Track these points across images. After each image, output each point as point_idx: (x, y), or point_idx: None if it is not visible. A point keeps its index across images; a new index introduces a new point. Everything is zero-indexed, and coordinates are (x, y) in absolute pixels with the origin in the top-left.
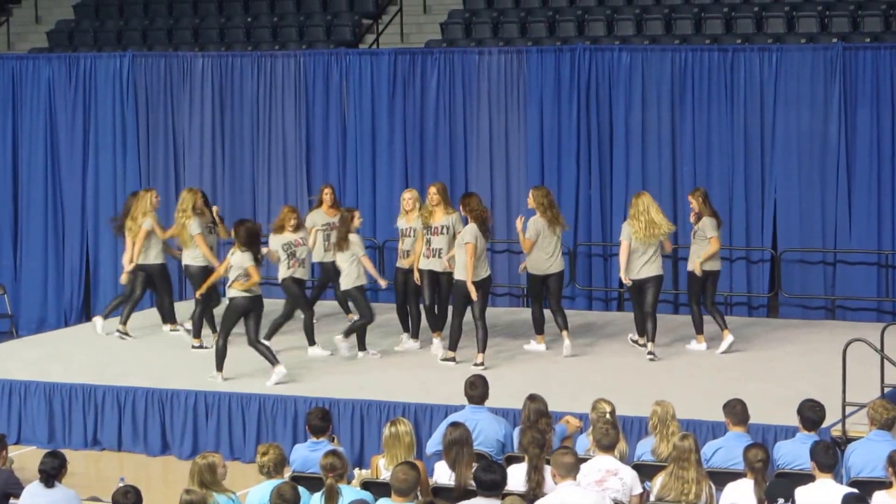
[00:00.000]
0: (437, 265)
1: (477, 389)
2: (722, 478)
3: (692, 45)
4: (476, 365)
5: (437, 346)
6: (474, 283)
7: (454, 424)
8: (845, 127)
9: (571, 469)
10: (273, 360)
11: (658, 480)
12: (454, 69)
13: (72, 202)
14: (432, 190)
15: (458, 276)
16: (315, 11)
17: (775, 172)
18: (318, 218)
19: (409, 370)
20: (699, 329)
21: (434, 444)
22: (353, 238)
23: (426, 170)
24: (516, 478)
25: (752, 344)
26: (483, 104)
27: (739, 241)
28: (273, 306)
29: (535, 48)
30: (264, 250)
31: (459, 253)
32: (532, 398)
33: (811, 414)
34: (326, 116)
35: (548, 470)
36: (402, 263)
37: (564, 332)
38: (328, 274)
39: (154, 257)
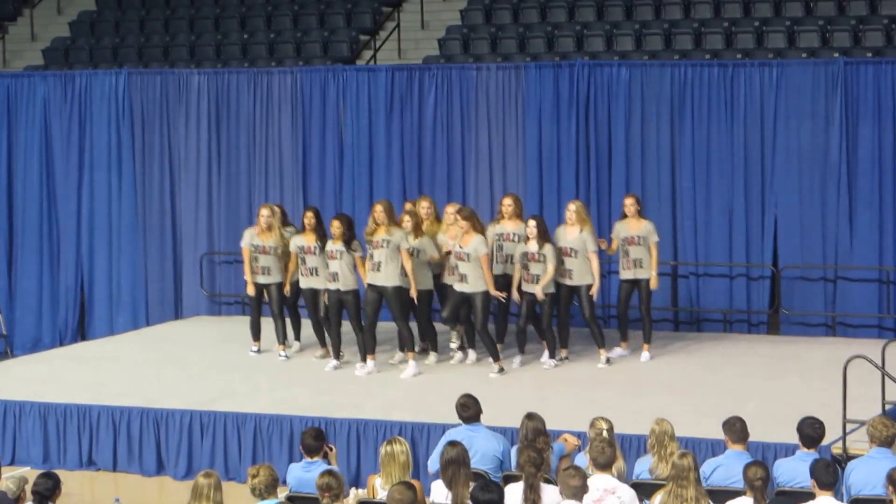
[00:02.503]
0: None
1: (469, 410)
2: (721, 496)
3: (692, 59)
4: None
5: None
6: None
7: (451, 443)
8: (846, 142)
9: (577, 492)
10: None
11: (657, 499)
12: (452, 85)
13: (67, 221)
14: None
15: (479, 288)
16: (312, 28)
17: (776, 188)
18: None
19: (406, 388)
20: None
21: (435, 461)
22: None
23: (424, 186)
24: (513, 497)
25: (752, 361)
26: (481, 120)
27: (739, 257)
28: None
29: (533, 63)
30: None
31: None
32: (530, 416)
33: (811, 431)
34: (323, 133)
35: (545, 489)
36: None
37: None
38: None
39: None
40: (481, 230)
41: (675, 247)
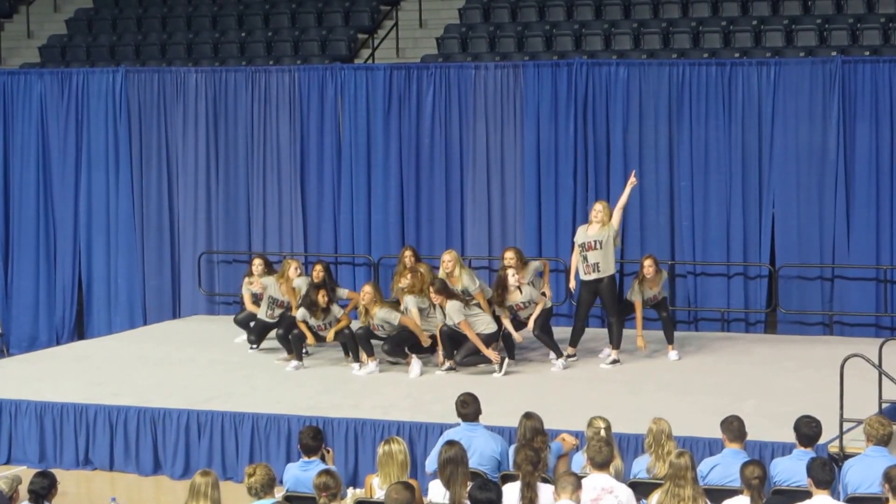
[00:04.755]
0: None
1: (469, 407)
2: (718, 495)
3: (690, 59)
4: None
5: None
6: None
7: (449, 443)
8: (844, 141)
9: (572, 491)
10: None
11: (654, 498)
12: (450, 84)
13: (64, 219)
14: (447, 258)
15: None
16: (310, 26)
17: (773, 187)
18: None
19: (404, 388)
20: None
21: (433, 462)
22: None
23: (422, 185)
24: (511, 496)
25: (750, 360)
26: (479, 119)
27: (737, 256)
28: None
29: (531, 62)
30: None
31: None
32: (528, 416)
33: (807, 430)
34: (321, 132)
35: (542, 488)
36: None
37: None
38: None
39: None
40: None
41: (673, 246)
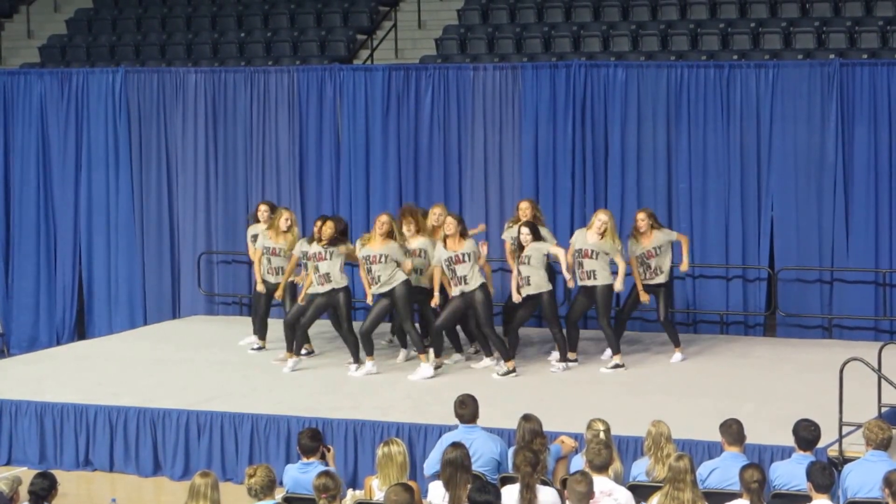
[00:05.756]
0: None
1: (467, 408)
2: (718, 499)
3: (688, 60)
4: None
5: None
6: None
7: (455, 444)
8: (842, 144)
9: (581, 499)
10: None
11: (653, 501)
12: (449, 85)
13: (64, 219)
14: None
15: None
16: (309, 27)
17: (772, 190)
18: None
19: (403, 390)
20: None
21: (432, 464)
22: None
23: (420, 186)
24: (510, 498)
25: (749, 363)
26: (478, 120)
27: (736, 259)
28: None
29: (530, 64)
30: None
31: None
32: (527, 418)
33: (806, 434)
34: (320, 132)
35: (541, 490)
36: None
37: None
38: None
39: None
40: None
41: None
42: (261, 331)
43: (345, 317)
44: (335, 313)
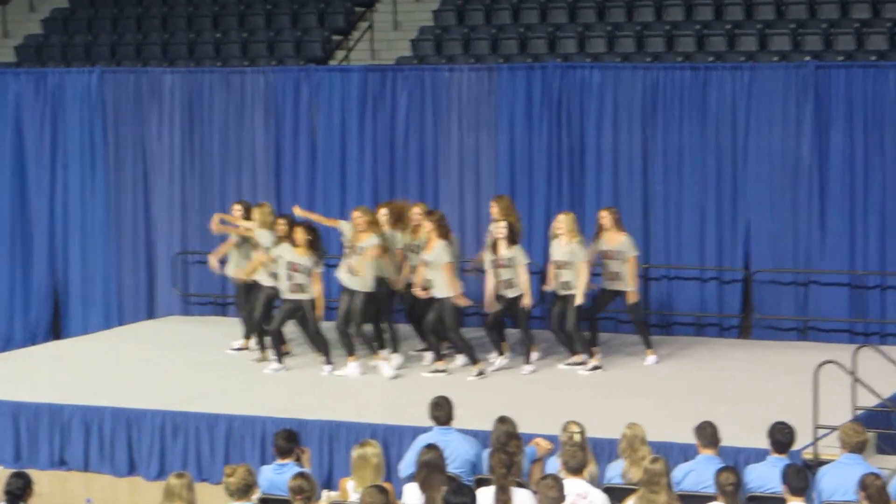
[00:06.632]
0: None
1: (442, 410)
2: (693, 501)
3: (664, 62)
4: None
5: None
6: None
7: (430, 446)
8: (818, 145)
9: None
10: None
11: None
12: (424, 86)
13: (39, 219)
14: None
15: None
16: (285, 27)
17: (747, 192)
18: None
19: (378, 390)
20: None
21: (408, 466)
22: None
23: (396, 187)
24: (486, 500)
25: (724, 366)
26: (454, 122)
27: (711, 261)
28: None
29: (506, 66)
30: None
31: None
32: (502, 420)
33: (780, 436)
34: (296, 133)
35: (516, 492)
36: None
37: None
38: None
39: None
40: (446, 235)
41: (647, 250)
42: (251, 333)
43: (311, 320)
44: (303, 317)
